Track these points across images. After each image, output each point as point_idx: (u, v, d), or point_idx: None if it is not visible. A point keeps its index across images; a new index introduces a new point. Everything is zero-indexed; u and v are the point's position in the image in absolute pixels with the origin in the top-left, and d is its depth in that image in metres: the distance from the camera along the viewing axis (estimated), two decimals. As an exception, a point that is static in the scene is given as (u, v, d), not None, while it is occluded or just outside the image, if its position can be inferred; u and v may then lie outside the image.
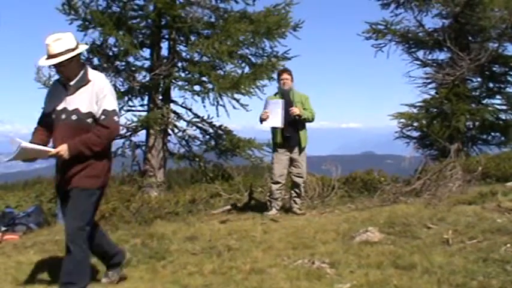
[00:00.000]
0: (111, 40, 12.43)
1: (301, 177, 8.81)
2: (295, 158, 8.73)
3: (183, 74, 13.43)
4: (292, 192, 8.98)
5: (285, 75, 8.82)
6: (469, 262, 5.07)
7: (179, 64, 13.43)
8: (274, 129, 8.75)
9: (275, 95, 8.93)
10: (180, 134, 13.86)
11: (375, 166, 12.36)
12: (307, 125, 8.88)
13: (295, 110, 8.51)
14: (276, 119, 8.52)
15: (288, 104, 8.58)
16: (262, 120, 8.62)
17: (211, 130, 14.00)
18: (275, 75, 11.04)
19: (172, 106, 13.56)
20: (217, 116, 13.42)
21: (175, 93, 13.63)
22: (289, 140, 8.66)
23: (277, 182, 8.73)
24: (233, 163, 14.30)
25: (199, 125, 13.90)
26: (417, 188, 9.36)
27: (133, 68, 12.93)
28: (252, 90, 13.00)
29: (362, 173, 11.47)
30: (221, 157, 14.05)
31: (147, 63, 13.25)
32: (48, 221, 9.13)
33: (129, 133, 13.15)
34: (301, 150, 8.74)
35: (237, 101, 13.09)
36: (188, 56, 13.31)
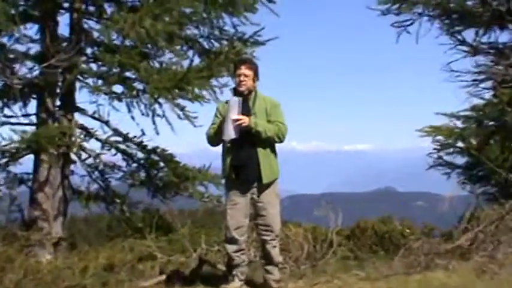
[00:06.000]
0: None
1: (270, 231, 8.05)
2: (257, 201, 8.01)
3: (94, 67, 13.19)
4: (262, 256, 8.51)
5: (243, 70, 8.01)
6: None
7: (88, 50, 13.23)
8: (223, 151, 8.13)
9: (227, 101, 8.22)
10: (90, 161, 13.62)
11: (395, 210, 12.19)
12: (278, 147, 8.25)
13: (244, 119, 7.71)
14: (230, 127, 7.84)
15: (244, 112, 7.86)
16: (212, 135, 8.05)
17: (140, 155, 13.86)
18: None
19: (78, 117, 13.37)
20: (157, 133, 13.21)
21: (82, 97, 13.37)
22: (241, 173, 7.96)
23: (234, 240, 8.02)
24: (175, 206, 14.24)
25: (122, 146, 13.74)
26: (464, 246, 9.50)
27: (12, 56, 12.33)
28: (204, 92, 12.68)
29: (376, 222, 11.58)
30: (156, 197, 13.94)
31: (34, 48, 12.82)
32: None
33: (4, 160, 12.66)
34: (263, 188, 8.01)
35: (182, 109, 12.70)
36: (102, 38, 12.80)
